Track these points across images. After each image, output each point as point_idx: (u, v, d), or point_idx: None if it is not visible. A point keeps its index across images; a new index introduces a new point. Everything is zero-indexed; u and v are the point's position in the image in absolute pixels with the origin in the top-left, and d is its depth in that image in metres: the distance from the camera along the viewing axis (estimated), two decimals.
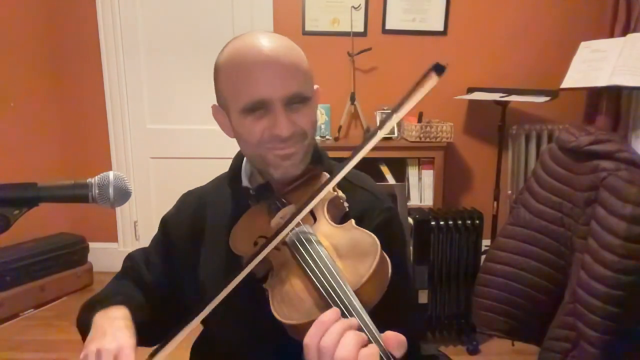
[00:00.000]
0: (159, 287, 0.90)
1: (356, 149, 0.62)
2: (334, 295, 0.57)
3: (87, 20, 2.80)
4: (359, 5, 2.77)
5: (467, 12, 2.83)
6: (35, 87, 2.81)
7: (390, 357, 0.52)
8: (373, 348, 0.52)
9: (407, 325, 0.77)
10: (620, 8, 2.45)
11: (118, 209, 3.02)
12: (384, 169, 2.66)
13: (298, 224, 0.68)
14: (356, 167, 0.89)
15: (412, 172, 2.69)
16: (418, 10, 2.81)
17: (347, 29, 2.75)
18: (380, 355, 0.52)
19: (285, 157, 0.79)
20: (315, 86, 0.87)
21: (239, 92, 0.77)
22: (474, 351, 2.22)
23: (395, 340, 0.53)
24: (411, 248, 2.12)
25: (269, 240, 0.65)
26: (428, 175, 2.67)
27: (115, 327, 0.73)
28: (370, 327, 0.55)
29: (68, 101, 2.91)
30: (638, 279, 1.32)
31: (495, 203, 2.56)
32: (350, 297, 0.57)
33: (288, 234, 0.67)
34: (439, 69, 0.51)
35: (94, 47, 2.84)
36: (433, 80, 0.52)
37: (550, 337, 1.54)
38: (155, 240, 0.96)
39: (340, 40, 2.77)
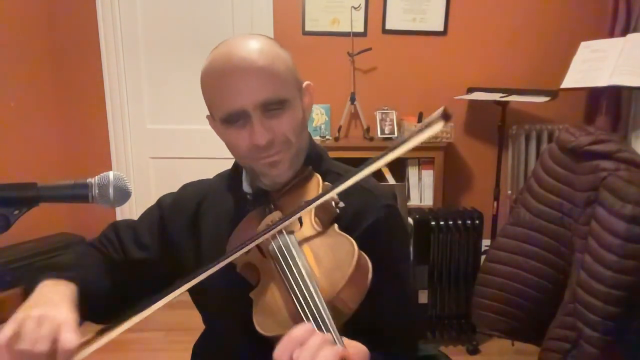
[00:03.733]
0: (145, 265, 0.90)
1: (350, 174, 0.65)
2: (306, 308, 0.57)
3: (87, 20, 2.80)
4: (359, 5, 2.77)
5: (467, 12, 2.83)
6: (35, 87, 2.81)
7: None
8: None
9: (398, 327, 0.77)
10: (620, 8, 2.45)
11: (118, 209, 3.01)
12: (384, 169, 2.66)
13: (280, 232, 0.68)
14: (356, 166, 0.89)
15: (412, 172, 2.69)
16: (418, 10, 2.81)
17: (347, 29, 2.75)
18: None
19: (271, 165, 0.78)
20: (305, 82, 0.86)
21: (216, 104, 0.78)
22: (474, 351, 2.22)
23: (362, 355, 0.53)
24: (411, 248, 2.12)
25: (239, 246, 0.65)
26: (428, 175, 2.67)
27: (60, 300, 0.71)
28: (337, 341, 0.54)
29: (68, 101, 2.91)
30: (638, 279, 1.32)
31: (495, 203, 2.56)
32: (322, 310, 0.57)
33: (265, 241, 0.68)
34: (446, 117, 0.54)
35: (94, 47, 2.84)
36: (439, 126, 0.54)
37: (550, 337, 1.54)
38: (148, 219, 0.95)
39: (340, 40, 2.77)
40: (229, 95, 0.75)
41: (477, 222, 2.18)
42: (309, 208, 0.67)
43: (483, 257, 1.89)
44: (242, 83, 0.74)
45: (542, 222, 1.59)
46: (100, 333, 0.64)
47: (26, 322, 0.62)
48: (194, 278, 0.64)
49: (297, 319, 0.57)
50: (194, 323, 0.94)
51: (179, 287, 0.64)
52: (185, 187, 0.99)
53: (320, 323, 0.56)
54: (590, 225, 1.42)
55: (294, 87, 0.80)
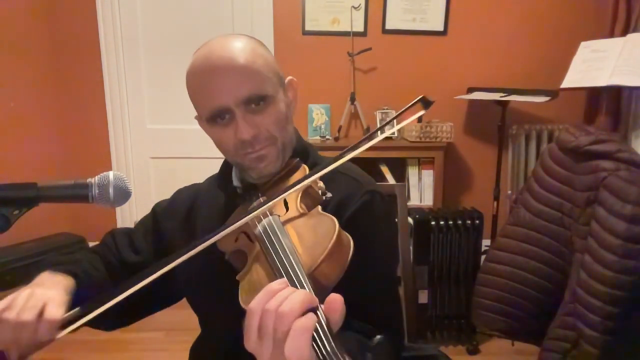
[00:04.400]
0: (140, 270, 0.91)
1: (332, 160, 0.67)
2: (287, 280, 0.58)
3: (87, 20, 2.80)
4: (359, 5, 2.77)
5: (467, 12, 2.83)
6: (35, 87, 2.81)
7: (329, 338, 0.50)
8: (311, 317, 0.50)
9: (374, 307, 0.76)
10: (620, 8, 2.45)
11: (118, 209, 3.02)
12: (384, 169, 2.66)
13: (266, 215, 0.70)
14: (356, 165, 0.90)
15: (412, 172, 2.69)
16: (418, 10, 2.81)
17: (347, 29, 2.75)
18: (318, 331, 0.50)
19: (258, 160, 0.80)
20: (288, 78, 0.87)
21: (201, 104, 0.80)
22: (474, 351, 2.22)
23: (336, 302, 0.51)
24: (411, 248, 2.12)
25: (224, 227, 0.67)
26: (428, 175, 2.67)
27: (52, 285, 0.73)
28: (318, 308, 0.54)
29: (68, 101, 2.91)
30: (638, 279, 1.32)
31: (495, 203, 2.56)
32: (303, 281, 0.57)
33: (252, 225, 0.70)
34: (426, 104, 0.54)
35: (94, 47, 2.84)
36: (419, 113, 0.55)
37: (550, 337, 1.54)
38: (144, 226, 0.98)
39: (340, 40, 2.77)
40: (212, 93, 0.77)
41: (477, 222, 2.18)
42: (291, 191, 0.69)
43: (483, 257, 1.88)
44: (223, 81, 0.76)
45: (542, 222, 1.59)
46: (84, 311, 0.66)
47: (16, 297, 0.66)
48: (181, 256, 0.65)
49: None
50: (194, 323, 0.95)
51: (166, 265, 0.65)
52: (179, 192, 1.02)
53: (299, 287, 0.57)
54: (590, 225, 1.42)
55: (275, 83, 0.81)
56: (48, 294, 0.67)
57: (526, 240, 1.63)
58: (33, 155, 2.79)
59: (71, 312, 0.66)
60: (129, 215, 3.06)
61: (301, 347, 0.48)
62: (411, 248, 2.11)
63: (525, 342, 1.79)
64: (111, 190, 0.64)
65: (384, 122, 0.61)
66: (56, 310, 0.65)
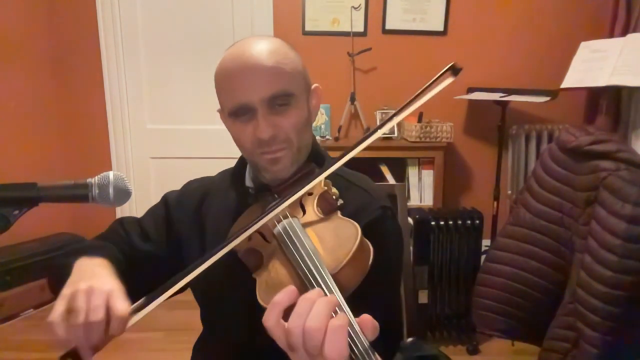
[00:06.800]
0: (151, 259, 0.91)
1: (357, 143, 0.67)
2: (311, 278, 0.60)
3: (87, 20, 2.80)
4: (359, 5, 2.77)
5: (467, 12, 2.83)
6: (35, 87, 2.81)
7: (361, 337, 0.53)
8: (342, 318, 0.53)
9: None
10: (620, 8, 2.45)
11: (118, 209, 3.01)
12: (384, 169, 2.66)
13: (285, 216, 0.72)
14: (356, 167, 0.90)
15: (412, 172, 2.69)
16: (418, 10, 2.81)
17: (347, 29, 2.75)
18: (349, 331, 0.53)
19: (273, 162, 0.81)
20: (314, 85, 0.88)
21: (225, 98, 0.82)
22: (474, 351, 2.22)
23: (370, 323, 0.54)
24: (411, 248, 2.12)
25: (243, 229, 0.67)
26: (428, 175, 2.67)
27: (103, 273, 0.72)
28: (345, 307, 0.56)
29: (68, 101, 2.91)
30: (638, 279, 1.32)
31: (495, 203, 2.56)
32: (327, 280, 0.59)
33: (272, 219, 0.70)
34: (455, 71, 0.54)
35: (94, 47, 2.84)
36: (448, 81, 0.55)
37: (550, 337, 1.54)
38: (154, 214, 0.97)
39: (340, 40, 2.77)
40: (238, 89, 0.78)
41: (477, 222, 2.18)
42: (306, 189, 0.70)
43: (483, 257, 1.89)
44: (251, 79, 0.77)
45: (542, 222, 1.59)
46: (147, 299, 0.66)
47: (76, 296, 0.64)
48: (205, 261, 0.66)
49: (303, 291, 0.59)
50: (194, 323, 0.95)
51: (194, 269, 0.65)
52: (190, 184, 1.02)
53: (326, 291, 0.58)
54: (590, 225, 1.41)
55: (301, 87, 0.83)
56: (105, 286, 0.66)
57: (526, 240, 1.63)
58: (33, 155, 2.79)
59: (137, 303, 0.66)
60: (128, 215, 3.06)
61: (340, 346, 0.51)
62: (411, 248, 2.11)
63: (525, 342, 1.79)
64: (111, 190, 0.64)
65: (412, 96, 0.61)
66: (122, 304, 0.64)
